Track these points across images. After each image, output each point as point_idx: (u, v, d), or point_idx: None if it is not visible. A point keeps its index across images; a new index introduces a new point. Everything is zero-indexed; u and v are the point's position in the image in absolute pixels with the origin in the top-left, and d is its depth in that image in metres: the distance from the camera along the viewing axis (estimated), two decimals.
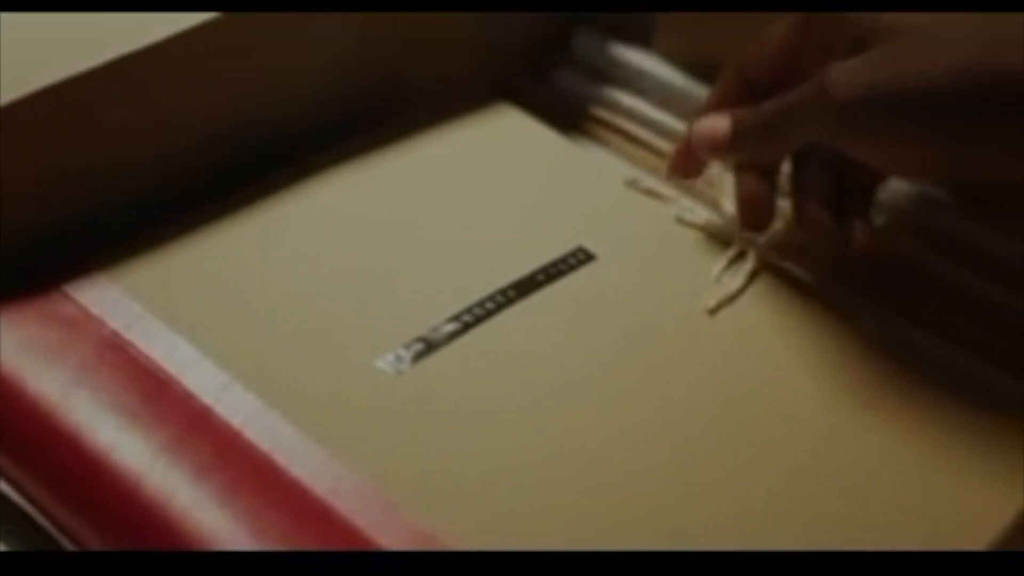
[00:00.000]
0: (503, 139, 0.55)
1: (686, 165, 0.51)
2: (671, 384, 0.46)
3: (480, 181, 0.53)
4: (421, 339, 0.46)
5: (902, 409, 0.45)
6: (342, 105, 0.55)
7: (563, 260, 0.49)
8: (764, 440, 0.44)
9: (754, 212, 0.50)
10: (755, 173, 0.50)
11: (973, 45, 0.41)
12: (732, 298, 0.49)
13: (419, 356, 0.45)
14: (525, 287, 0.48)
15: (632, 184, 0.53)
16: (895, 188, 0.52)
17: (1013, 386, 0.47)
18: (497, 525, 0.40)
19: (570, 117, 0.58)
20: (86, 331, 0.45)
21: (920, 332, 0.48)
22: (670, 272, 0.50)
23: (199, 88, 0.50)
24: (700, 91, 0.56)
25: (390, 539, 0.39)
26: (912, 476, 0.43)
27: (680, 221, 0.52)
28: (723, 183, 0.53)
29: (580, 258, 0.50)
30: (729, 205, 0.52)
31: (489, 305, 0.47)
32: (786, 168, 0.51)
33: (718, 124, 0.49)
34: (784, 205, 0.51)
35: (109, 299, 0.46)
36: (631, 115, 0.58)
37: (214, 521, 0.39)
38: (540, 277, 0.49)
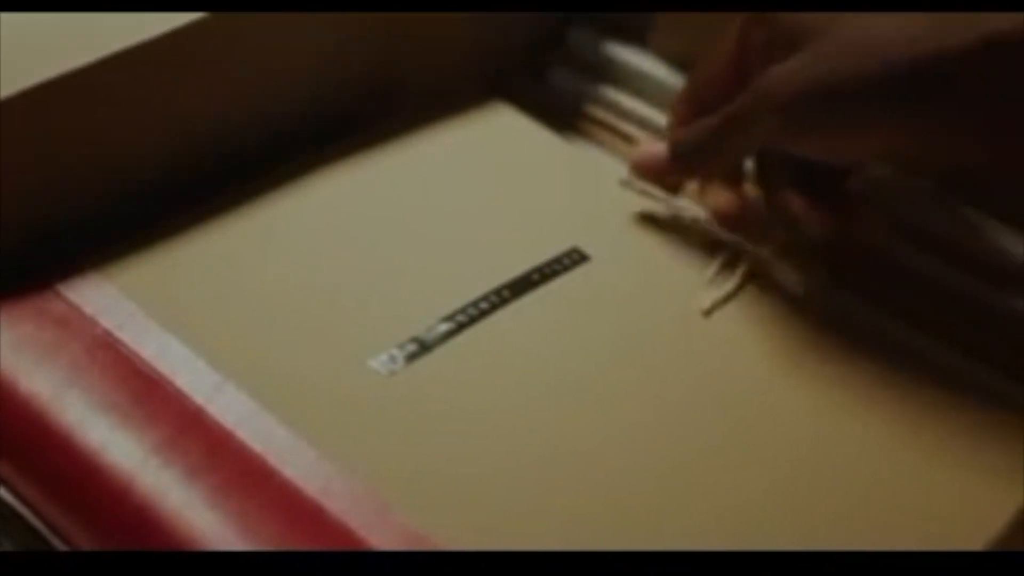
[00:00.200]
0: (498, 138, 0.55)
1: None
2: (666, 385, 0.45)
3: (475, 180, 0.53)
4: (415, 339, 0.46)
5: (898, 408, 0.45)
6: (337, 104, 0.55)
7: (557, 260, 0.49)
8: (759, 441, 0.44)
9: (727, 219, 0.51)
10: (719, 182, 0.51)
11: (896, 39, 0.43)
12: (726, 299, 0.49)
13: (412, 356, 0.45)
14: (519, 287, 0.48)
15: (627, 184, 0.52)
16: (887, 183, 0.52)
17: (1009, 386, 0.47)
18: (490, 526, 0.40)
19: (565, 116, 0.58)
20: (79, 330, 0.45)
21: (914, 333, 0.48)
22: (664, 273, 0.50)
23: (193, 87, 0.50)
24: None
25: (382, 540, 0.39)
26: (910, 474, 0.43)
27: (674, 222, 0.52)
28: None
29: (574, 258, 0.49)
30: None
31: (483, 305, 0.47)
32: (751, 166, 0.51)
33: (655, 149, 0.51)
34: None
35: (102, 298, 0.46)
36: (626, 115, 0.58)
37: (206, 522, 0.39)
38: (535, 277, 0.48)
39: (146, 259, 0.48)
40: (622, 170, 0.54)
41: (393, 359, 0.45)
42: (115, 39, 0.47)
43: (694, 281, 0.49)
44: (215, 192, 0.50)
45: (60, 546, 0.42)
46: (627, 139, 0.57)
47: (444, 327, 0.46)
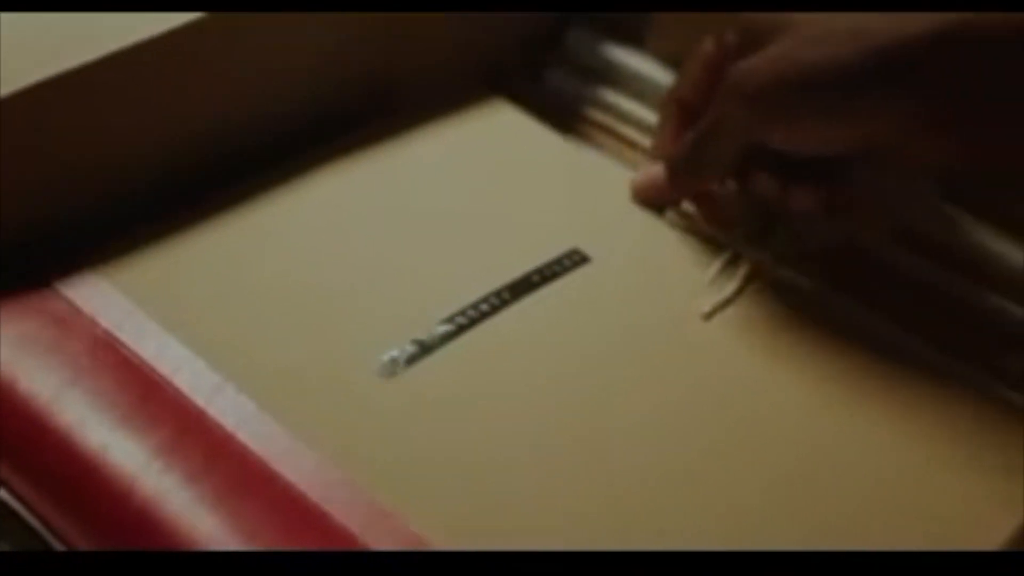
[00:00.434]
0: (498, 137, 0.55)
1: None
2: (666, 386, 0.46)
3: (475, 180, 0.53)
4: (415, 341, 0.45)
5: (896, 411, 0.45)
6: (336, 104, 0.55)
7: (557, 262, 0.49)
8: (759, 443, 0.44)
9: (721, 224, 0.51)
10: (706, 195, 0.52)
11: (860, 30, 0.45)
12: (727, 302, 0.49)
13: (413, 359, 0.45)
14: (520, 289, 0.48)
15: (675, 224, 0.52)
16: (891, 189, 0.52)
17: (1004, 390, 0.47)
18: (490, 528, 0.40)
19: (563, 116, 0.58)
20: (78, 329, 0.45)
21: (910, 336, 0.48)
22: (665, 275, 0.50)
23: (193, 86, 0.50)
24: None
25: (382, 542, 0.39)
26: (909, 476, 0.43)
27: (675, 224, 0.52)
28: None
29: (575, 260, 0.49)
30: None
31: (484, 307, 0.47)
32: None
33: (653, 172, 0.52)
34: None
35: (101, 297, 0.46)
36: (624, 116, 0.58)
37: (206, 525, 0.39)
38: (535, 278, 0.48)
39: (146, 258, 0.48)
40: (621, 171, 0.54)
41: (393, 361, 0.45)
42: (115, 39, 0.47)
43: (694, 283, 0.49)
44: (215, 192, 0.50)
45: (58, 547, 0.42)
46: (624, 140, 0.57)
47: (444, 329, 0.46)
